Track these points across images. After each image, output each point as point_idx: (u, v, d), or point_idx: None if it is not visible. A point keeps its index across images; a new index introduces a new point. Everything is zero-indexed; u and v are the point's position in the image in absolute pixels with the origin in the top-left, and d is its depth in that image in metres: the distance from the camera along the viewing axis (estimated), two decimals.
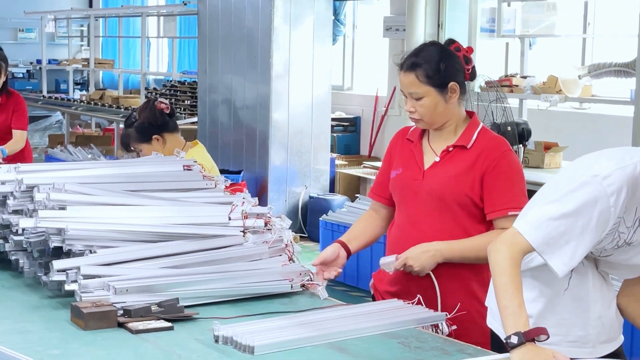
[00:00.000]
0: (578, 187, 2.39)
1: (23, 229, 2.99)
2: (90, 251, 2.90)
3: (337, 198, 8.95)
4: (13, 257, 3.12)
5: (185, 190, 3.41)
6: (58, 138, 13.47)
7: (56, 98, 15.20)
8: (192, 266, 2.95)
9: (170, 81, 13.65)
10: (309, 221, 8.94)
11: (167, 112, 4.31)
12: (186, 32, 16.27)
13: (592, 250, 2.52)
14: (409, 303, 2.91)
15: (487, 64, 9.59)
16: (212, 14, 9.65)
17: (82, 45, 19.16)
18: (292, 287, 3.02)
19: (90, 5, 19.38)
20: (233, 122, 9.43)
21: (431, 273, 3.05)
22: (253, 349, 2.42)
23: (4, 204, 3.14)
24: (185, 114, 11.95)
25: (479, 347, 2.60)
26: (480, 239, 3.01)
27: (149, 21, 16.00)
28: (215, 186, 3.47)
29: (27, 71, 18.43)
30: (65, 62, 17.17)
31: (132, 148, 4.37)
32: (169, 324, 2.64)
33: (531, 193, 2.73)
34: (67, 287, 2.79)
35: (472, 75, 3.13)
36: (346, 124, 11.75)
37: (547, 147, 8.02)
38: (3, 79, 6.04)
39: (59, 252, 2.95)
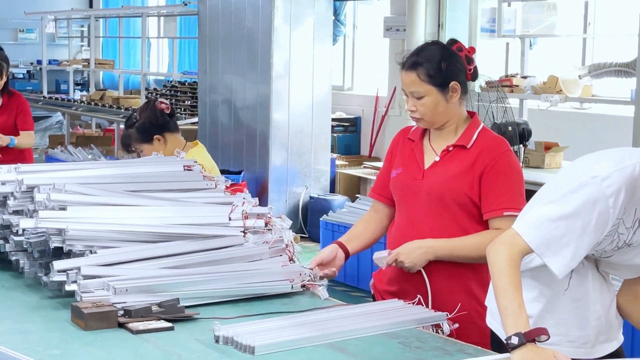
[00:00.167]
0: (577, 188, 2.39)
1: (23, 230, 2.99)
2: (91, 251, 2.90)
3: (338, 198, 8.95)
4: (13, 258, 3.11)
5: (186, 190, 3.41)
6: (58, 138, 13.47)
7: (56, 98, 15.21)
8: (192, 266, 2.95)
9: (171, 81, 13.66)
10: (309, 221, 8.94)
11: (168, 112, 4.31)
12: (186, 32, 16.28)
13: (592, 252, 2.52)
14: (409, 303, 2.91)
15: (488, 64, 9.57)
16: (212, 14, 9.66)
17: (82, 46, 19.18)
18: (292, 287, 3.02)
19: (91, 6, 19.39)
20: (233, 123, 9.43)
21: (422, 270, 3.05)
22: (253, 349, 2.42)
23: (5, 204, 3.14)
24: (185, 114, 11.95)
25: (479, 347, 2.60)
26: (474, 239, 3.01)
27: (150, 21, 16.02)
28: (216, 186, 3.47)
29: (28, 72, 18.45)
30: (65, 62, 17.18)
31: (133, 148, 4.36)
32: (169, 324, 2.64)
33: (531, 193, 2.73)
34: (68, 288, 2.78)
35: (474, 76, 3.13)
36: (346, 124, 11.75)
37: (548, 147, 8.02)
38: (4, 79, 6.04)
39: (59, 253, 2.95)
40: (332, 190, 9.50)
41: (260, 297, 2.96)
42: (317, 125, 9.14)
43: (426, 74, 3.03)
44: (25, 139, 6.13)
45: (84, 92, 16.46)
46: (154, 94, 13.24)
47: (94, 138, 13.08)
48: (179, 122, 4.59)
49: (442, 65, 3.04)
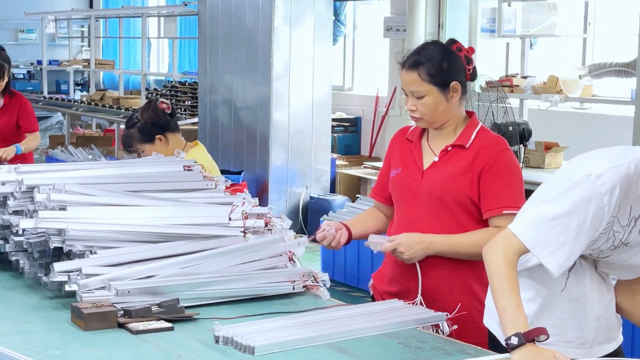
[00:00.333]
0: (572, 187, 2.39)
1: (23, 230, 2.99)
2: (91, 252, 2.90)
3: (338, 198, 8.95)
4: (13, 258, 3.12)
5: (186, 190, 3.41)
6: (58, 139, 13.48)
7: (57, 99, 15.22)
8: (192, 267, 2.94)
9: (171, 82, 13.66)
10: (309, 221, 8.94)
11: (169, 112, 4.32)
12: (187, 32, 16.28)
13: (588, 251, 2.52)
14: (409, 303, 2.91)
15: (488, 64, 9.58)
16: (212, 14, 9.66)
17: (82, 46, 19.18)
18: (294, 288, 3.02)
19: (91, 6, 19.39)
20: (233, 123, 9.43)
21: (417, 263, 3.06)
22: (253, 350, 2.42)
23: (5, 204, 3.14)
24: (185, 114, 11.96)
25: (479, 347, 2.60)
26: (473, 236, 3.01)
27: (150, 22, 16.02)
28: (216, 186, 3.47)
29: (28, 72, 18.45)
30: (65, 62, 17.19)
31: (134, 149, 4.36)
32: (169, 325, 2.64)
33: (531, 193, 2.72)
34: (68, 288, 2.78)
35: (473, 76, 3.14)
36: (347, 124, 11.75)
37: (548, 147, 8.02)
38: (6, 80, 6.04)
39: (59, 253, 2.95)
40: (333, 190, 9.50)
41: (261, 297, 2.96)
42: (317, 125, 9.14)
43: (427, 74, 3.03)
44: (31, 142, 6.13)
45: (84, 93, 16.46)
46: (154, 94, 13.24)
47: (94, 138, 13.09)
48: (179, 123, 4.60)
49: (444, 65, 3.04)
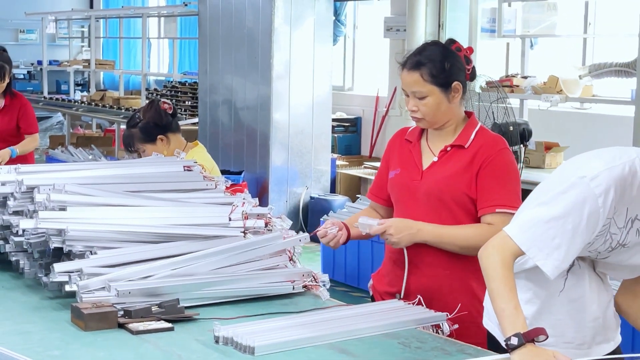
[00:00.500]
0: (566, 189, 2.39)
1: (23, 230, 2.99)
2: (91, 252, 2.90)
3: (338, 198, 8.95)
4: (13, 258, 3.12)
5: (186, 191, 3.41)
6: (59, 139, 13.48)
7: (57, 99, 15.23)
8: (192, 268, 2.94)
9: (171, 82, 13.67)
10: (309, 222, 8.94)
11: (170, 112, 4.32)
12: (187, 32, 16.29)
13: (586, 253, 2.52)
14: (409, 303, 2.91)
15: (488, 64, 9.58)
16: (212, 14, 9.66)
17: (82, 46, 19.18)
18: (294, 288, 3.02)
19: (91, 6, 19.40)
20: (234, 123, 9.43)
21: (405, 249, 3.07)
22: (253, 350, 2.42)
23: (5, 205, 3.14)
24: (186, 114, 11.96)
25: (479, 348, 2.60)
26: (463, 229, 3.01)
27: (150, 22, 16.03)
28: (216, 187, 3.47)
29: (28, 72, 18.46)
30: (66, 63, 17.20)
31: (135, 148, 4.36)
32: (169, 325, 2.64)
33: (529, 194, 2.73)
34: (68, 288, 2.78)
35: (472, 76, 3.14)
36: (347, 124, 11.76)
37: (548, 147, 8.02)
38: (7, 80, 6.04)
39: (59, 253, 2.95)
40: (333, 190, 9.50)
41: (260, 297, 2.96)
42: (317, 125, 9.14)
43: (429, 74, 3.03)
44: (28, 145, 6.11)
45: (85, 93, 16.47)
46: (154, 95, 13.25)
47: (94, 138, 13.09)
48: (179, 123, 4.60)
49: (446, 65, 3.04)
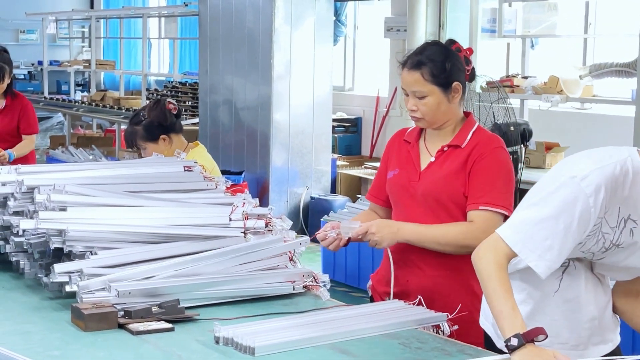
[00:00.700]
0: (557, 189, 2.39)
1: (24, 230, 2.99)
2: (91, 252, 2.90)
3: (339, 199, 8.95)
4: (14, 259, 3.12)
5: (186, 191, 3.41)
6: (59, 139, 13.48)
7: (57, 99, 15.24)
8: (193, 268, 2.94)
9: (172, 82, 13.68)
10: (310, 222, 8.94)
11: (175, 112, 4.33)
12: (187, 33, 16.29)
13: (579, 253, 2.51)
14: (409, 304, 2.91)
15: (488, 65, 9.59)
16: (213, 15, 9.66)
17: (83, 47, 19.19)
18: (294, 288, 3.02)
19: (92, 7, 19.40)
20: (234, 123, 9.43)
21: (388, 249, 3.08)
22: (254, 350, 2.42)
23: (5, 205, 3.14)
24: (186, 114, 11.95)
25: (479, 348, 2.60)
26: (444, 228, 3.02)
27: (150, 22, 16.04)
28: (216, 187, 3.47)
29: (29, 72, 18.47)
30: (66, 63, 17.20)
31: (136, 146, 4.36)
32: (169, 325, 2.64)
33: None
34: (68, 289, 2.78)
35: (472, 76, 3.14)
36: (347, 124, 11.76)
37: (549, 147, 8.02)
38: (8, 81, 6.04)
39: (60, 254, 2.95)
40: (333, 190, 9.50)
41: (261, 297, 2.96)
42: (317, 125, 9.14)
43: (430, 74, 3.03)
44: (25, 147, 6.09)
45: (85, 93, 16.47)
46: (155, 95, 13.25)
47: (94, 139, 13.10)
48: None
49: (447, 65, 3.04)
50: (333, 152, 10.06)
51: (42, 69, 17.24)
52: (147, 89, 14.28)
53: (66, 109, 14.26)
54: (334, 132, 10.45)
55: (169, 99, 4.48)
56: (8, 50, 6.26)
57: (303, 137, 9.06)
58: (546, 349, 2.24)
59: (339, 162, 10.10)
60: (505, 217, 2.91)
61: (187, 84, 13.15)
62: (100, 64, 16.45)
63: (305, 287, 3.04)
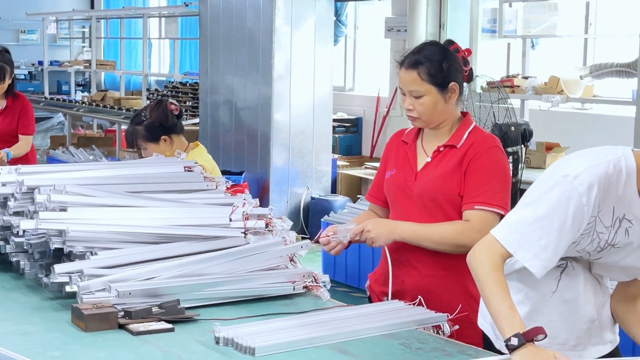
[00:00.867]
0: (550, 189, 2.39)
1: (24, 231, 2.99)
2: (92, 253, 2.90)
3: (339, 199, 8.95)
4: (14, 259, 3.11)
5: (187, 191, 3.41)
6: (60, 139, 13.49)
7: (58, 99, 15.24)
8: (193, 268, 2.94)
9: (172, 82, 13.67)
10: (310, 222, 8.94)
11: (176, 113, 4.33)
12: (187, 33, 16.29)
13: (574, 253, 2.51)
14: (410, 304, 2.91)
15: (489, 65, 9.59)
16: (213, 15, 9.66)
17: (83, 47, 19.19)
18: (294, 289, 3.02)
19: (92, 7, 19.40)
20: (234, 123, 9.43)
21: (387, 249, 3.08)
22: (254, 351, 2.42)
23: (5, 205, 3.14)
24: (186, 115, 11.95)
25: (479, 349, 2.60)
26: (439, 227, 3.02)
27: (151, 22, 16.03)
28: (217, 187, 3.47)
29: (29, 72, 18.47)
30: (67, 63, 17.20)
31: (137, 145, 4.37)
32: (169, 326, 2.64)
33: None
34: (68, 289, 2.78)
35: (469, 77, 3.15)
36: (348, 124, 11.76)
37: (549, 147, 8.02)
38: (9, 81, 6.04)
39: (60, 254, 2.95)
40: (334, 190, 9.50)
41: (261, 298, 2.96)
42: (318, 125, 9.14)
43: (427, 73, 3.03)
44: (21, 147, 6.09)
45: (85, 93, 16.47)
46: (156, 95, 13.25)
47: (95, 139, 13.10)
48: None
49: (444, 65, 3.04)
50: (333, 152, 10.06)
51: (42, 69, 17.24)
52: (148, 89, 14.28)
53: (66, 109, 14.26)
54: (334, 132, 10.45)
55: (170, 100, 4.48)
56: (9, 50, 6.27)
57: (303, 137, 9.06)
58: (547, 350, 2.24)
59: (339, 163, 10.10)
60: (501, 217, 2.91)
61: (188, 84, 13.15)
62: (100, 64, 16.45)
63: (305, 287, 3.04)
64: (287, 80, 8.93)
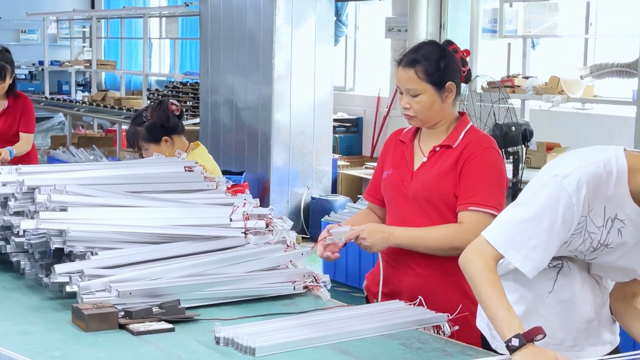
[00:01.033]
0: (539, 189, 2.39)
1: (24, 231, 2.98)
2: (92, 253, 2.89)
3: (339, 199, 8.95)
4: (14, 259, 3.12)
5: (187, 191, 3.41)
6: (60, 139, 13.49)
7: (58, 99, 15.24)
8: (194, 268, 2.94)
9: (172, 82, 13.67)
10: (311, 222, 8.94)
11: (177, 113, 4.33)
12: (188, 33, 16.29)
13: (566, 252, 2.51)
14: (410, 304, 2.90)
15: (489, 65, 9.58)
16: (213, 15, 9.66)
17: (84, 47, 19.19)
18: (294, 289, 3.02)
19: (93, 7, 19.40)
20: (235, 123, 9.43)
21: (379, 254, 3.08)
22: (254, 351, 2.42)
23: (5, 205, 3.14)
24: (187, 115, 11.95)
25: (480, 349, 2.60)
26: (435, 231, 3.02)
27: (151, 22, 16.02)
28: (217, 187, 3.47)
29: (30, 72, 18.48)
30: (67, 63, 17.20)
31: (138, 146, 4.36)
32: (170, 326, 2.64)
33: None
34: (69, 289, 2.78)
35: (467, 78, 3.15)
36: (348, 124, 11.76)
37: (550, 147, 8.02)
38: (10, 81, 6.04)
39: (60, 254, 2.95)
40: (334, 190, 9.50)
41: (261, 298, 2.96)
42: (318, 125, 9.14)
43: (424, 72, 3.04)
44: (22, 146, 6.08)
45: (86, 93, 16.47)
46: (156, 95, 13.25)
47: (95, 139, 13.10)
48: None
49: (441, 64, 3.05)
50: (334, 152, 10.05)
51: (43, 69, 17.24)
52: (148, 89, 14.28)
53: (67, 109, 14.26)
54: (334, 132, 10.45)
55: (171, 100, 4.48)
56: (9, 50, 6.26)
57: (304, 137, 9.06)
58: (547, 351, 2.23)
59: (339, 162, 10.10)
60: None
61: (188, 84, 13.15)
62: (101, 64, 16.45)
63: (305, 287, 3.04)
64: (288, 80, 8.93)
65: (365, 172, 9.73)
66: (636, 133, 6.84)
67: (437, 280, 3.06)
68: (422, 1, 9.87)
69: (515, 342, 2.22)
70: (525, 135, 7.16)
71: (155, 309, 2.70)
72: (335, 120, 10.46)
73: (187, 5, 12.71)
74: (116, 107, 13.25)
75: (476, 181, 3.00)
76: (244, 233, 3.15)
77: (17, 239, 3.03)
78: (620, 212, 2.40)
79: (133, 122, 4.40)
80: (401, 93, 3.11)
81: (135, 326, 2.61)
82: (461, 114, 3.17)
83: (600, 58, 9.06)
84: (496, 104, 7.14)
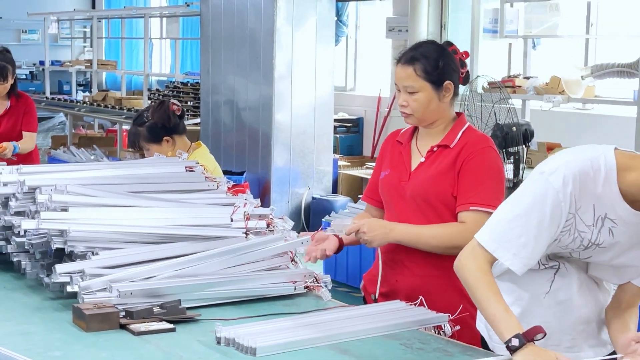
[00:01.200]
0: (527, 187, 2.42)
1: (25, 231, 2.99)
2: (93, 253, 2.90)
3: (340, 199, 8.95)
4: (15, 259, 3.12)
5: (188, 191, 3.41)
6: (61, 139, 13.49)
7: (59, 99, 15.24)
8: (194, 268, 2.94)
9: (173, 82, 13.67)
10: (311, 222, 8.94)
11: (179, 114, 4.33)
12: (189, 33, 16.29)
13: (557, 249, 2.50)
14: (411, 304, 2.90)
15: (490, 65, 9.58)
16: (214, 15, 9.66)
17: (85, 47, 19.20)
18: (295, 289, 3.02)
19: (93, 7, 19.41)
20: (236, 123, 9.43)
21: (379, 250, 3.08)
22: (255, 351, 2.42)
23: (6, 205, 3.14)
24: (187, 115, 11.95)
25: (481, 349, 2.60)
26: (435, 229, 3.02)
27: (152, 22, 16.02)
28: (218, 187, 3.47)
29: (30, 72, 18.49)
30: (68, 63, 17.20)
31: (139, 147, 4.36)
32: (171, 326, 2.64)
33: None
34: (69, 289, 2.78)
35: (465, 79, 3.16)
36: (349, 124, 11.76)
37: (550, 147, 8.01)
38: (11, 81, 6.05)
39: (61, 254, 2.95)
40: (335, 191, 9.50)
41: (262, 298, 2.96)
42: (319, 125, 9.14)
43: (423, 70, 3.04)
44: (26, 143, 6.10)
45: (87, 93, 16.47)
46: (157, 95, 13.25)
47: (96, 139, 13.10)
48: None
49: (440, 63, 3.06)
50: (334, 152, 10.06)
51: (43, 69, 17.25)
52: (149, 89, 14.28)
53: (68, 109, 14.26)
54: (335, 132, 10.44)
55: (172, 100, 4.48)
56: (10, 50, 6.27)
57: (304, 137, 9.06)
58: (548, 351, 2.24)
59: (340, 163, 10.10)
60: None
61: (189, 84, 13.15)
62: (101, 64, 16.46)
63: (306, 287, 3.04)
64: (288, 80, 8.93)
65: (365, 172, 9.73)
66: (637, 133, 6.84)
67: (434, 280, 3.06)
68: (422, 1, 9.87)
69: (515, 342, 2.22)
70: (526, 136, 7.16)
71: (156, 309, 2.70)
72: (336, 120, 10.46)
73: (188, 5, 12.71)
74: (117, 107, 13.25)
75: (475, 181, 3.01)
76: (245, 233, 3.15)
77: (18, 239, 3.03)
78: (610, 212, 2.40)
79: (134, 122, 4.40)
80: (399, 90, 3.11)
81: (136, 326, 2.61)
82: (458, 114, 3.18)
83: (601, 58, 9.06)
84: (497, 104, 7.14)
